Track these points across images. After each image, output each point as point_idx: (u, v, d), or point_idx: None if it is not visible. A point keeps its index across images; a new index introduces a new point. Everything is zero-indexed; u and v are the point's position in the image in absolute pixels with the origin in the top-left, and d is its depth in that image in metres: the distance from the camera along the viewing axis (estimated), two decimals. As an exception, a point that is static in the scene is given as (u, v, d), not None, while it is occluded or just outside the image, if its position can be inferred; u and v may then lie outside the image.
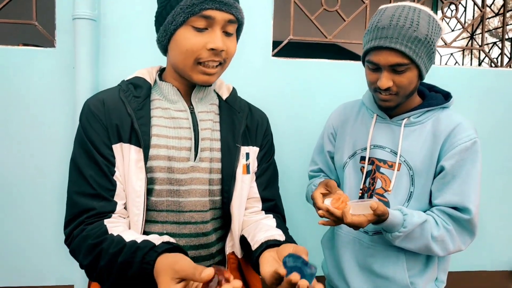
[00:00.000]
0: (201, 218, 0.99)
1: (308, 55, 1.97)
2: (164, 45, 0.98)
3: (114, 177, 0.92)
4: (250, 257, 1.00)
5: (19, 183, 1.76)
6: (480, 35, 2.20)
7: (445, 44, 2.08)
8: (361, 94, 1.36)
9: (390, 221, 1.07)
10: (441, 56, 4.33)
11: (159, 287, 0.72)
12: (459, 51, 4.25)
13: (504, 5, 2.34)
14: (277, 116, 1.85)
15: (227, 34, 0.96)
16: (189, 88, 1.04)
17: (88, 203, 0.89)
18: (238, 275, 1.05)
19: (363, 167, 1.25)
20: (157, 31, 0.99)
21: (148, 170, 0.94)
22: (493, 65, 2.19)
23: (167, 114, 1.00)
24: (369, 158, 1.24)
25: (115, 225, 0.89)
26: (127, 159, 0.93)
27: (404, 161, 1.18)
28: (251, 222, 1.07)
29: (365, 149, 1.25)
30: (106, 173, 0.91)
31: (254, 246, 0.97)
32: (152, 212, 0.96)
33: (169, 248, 0.79)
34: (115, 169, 0.93)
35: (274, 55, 1.89)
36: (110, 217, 0.90)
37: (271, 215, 1.09)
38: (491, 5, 3.35)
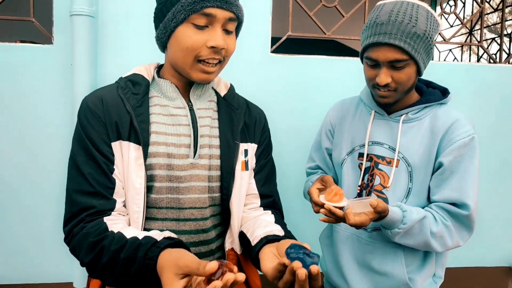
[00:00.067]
0: (200, 214, 0.99)
1: (307, 51, 1.96)
2: (163, 42, 0.98)
3: (113, 175, 0.92)
4: (249, 253, 1.00)
5: (18, 181, 1.75)
6: (479, 30, 2.20)
7: (444, 40, 2.08)
8: (360, 91, 1.36)
9: (389, 218, 1.07)
10: (439, 52, 4.33)
11: (163, 282, 0.72)
12: (458, 47, 4.24)
13: (503, 1, 2.33)
14: (275, 112, 1.85)
15: (227, 32, 0.96)
16: (187, 85, 1.04)
17: (87, 201, 0.89)
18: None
19: (361, 163, 1.25)
20: (156, 28, 0.98)
21: (148, 167, 0.94)
22: (491, 61, 2.19)
23: (166, 111, 1.00)
24: (367, 155, 1.24)
25: (114, 222, 0.89)
26: (126, 157, 0.93)
27: (403, 157, 1.19)
28: (250, 218, 1.08)
29: (363, 145, 1.25)
30: (105, 171, 0.91)
31: (253, 241, 0.98)
32: (152, 209, 0.96)
33: (171, 243, 0.80)
34: (114, 167, 0.93)
35: (272, 51, 1.89)
36: (109, 215, 0.90)
37: (269, 211, 1.09)
38: (490, 0, 3.35)
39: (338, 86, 1.90)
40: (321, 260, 1.43)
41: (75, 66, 1.66)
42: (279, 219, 1.08)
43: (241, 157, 1.04)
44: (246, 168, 1.06)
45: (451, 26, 4.03)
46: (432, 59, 1.19)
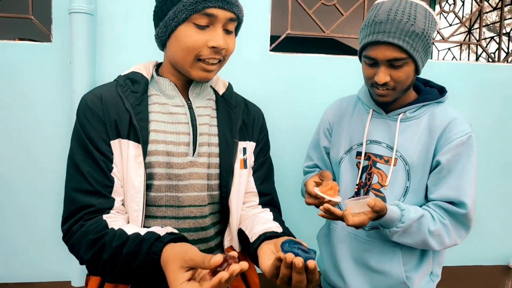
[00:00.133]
0: (200, 212, 0.99)
1: (306, 49, 1.96)
2: (163, 41, 0.98)
3: (112, 174, 0.92)
4: (248, 250, 1.01)
5: (16, 180, 1.75)
6: (478, 29, 2.20)
7: (443, 38, 2.08)
8: (359, 89, 1.36)
9: (388, 217, 1.08)
10: (438, 51, 4.33)
11: (168, 275, 0.73)
12: (457, 45, 4.25)
13: (501, 0, 2.34)
14: (274, 110, 1.85)
15: (227, 32, 0.96)
16: (186, 84, 1.04)
17: (86, 200, 0.89)
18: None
19: (359, 162, 1.25)
20: (156, 26, 0.98)
21: (147, 165, 0.94)
22: (490, 59, 2.19)
23: (165, 109, 1.00)
24: (365, 154, 1.24)
25: (114, 220, 0.89)
26: (125, 155, 0.93)
27: (400, 156, 1.19)
28: (249, 216, 1.08)
29: (361, 144, 1.25)
30: (103, 170, 0.91)
31: (252, 238, 0.99)
32: (151, 207, 0.96)
33: (174, 238, 0.81)
34: (113, 165, 0.93)
35: (271, 50, 1.89)
36: (108, 213, 0.91)
37: (267, 209, 1.10)
38: (489, -1, 3.35)
39: (337, 84, 1.90)
40: (318, 258, 1.43)
41: (74, 64, 1.66)
42: (278, 217, 1.09)
43: (239, 155, 1.05)
44: (245, 166, 1.06)
45: (450, 25, 4.03)
46: (431, 58, 1.19)
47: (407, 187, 1.19)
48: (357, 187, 1.25)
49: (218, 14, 0.92)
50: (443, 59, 4.34)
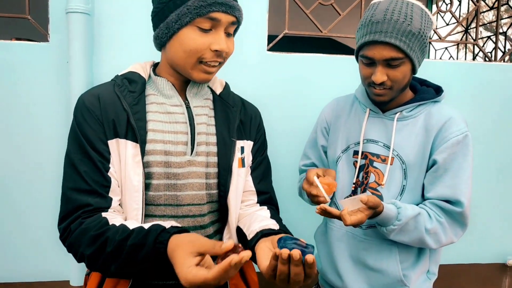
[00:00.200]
0: (198, 211, 1.00)
1: (303, 49, 1.97)
2: (163, 42, 0.98)
3: (109, 173, 0.92)
4: (246, 247, 1.01)
5: (13, 179, 1.75)
6: (475, 29, 2.21)
7: (440, 38, 2.08)
8: (356, 89, 1.36)
9: (384, 215, 1.08)
10: (435, 50, 4.34)
11: (176, 261, 0.75)
12: (454, 45, 4.26)
13: (498, -1, 2.35)
14: (272, 110, 1.86)
15: (228, 34, 0.98)
16: (183, 84, 1.04)
17: (84, 199, 0.89)
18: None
19: (356, 161, 1.26)
20: (155, 26, 0.98)
21: (145, 165, 0.95)
22: (487, 59, 2.20)
23: (163, 109, 1.00)
24: (362, 153, 1.25)
25: (113, 217, 0.90)
26: (123, 155, 0.93)
27: (397, 155, 1.20)
28: (247, 214, 1.09)
29: (358, 143, 1.26)
30: (100, 169, 0.91)
31: (249, 236, 1.00)
32: (150, 206, 0.97)
33: (178, 230, 0.83)
34: (110, 165, 0.93)
35: (269, 50, 1.89)
36: (106, 211, 0.91)
37: (265, 207, 1.11)
38: (485, -1, 3.36)
39: (334, 84, 1.91)
40: (315, 257, 1.43)
41: (71, 64, 1.65)
42: (275, 214, 1.10)
43: (237, 154, 1.06)
44: (243, 165, 1.07)
45: (447, 24, 4.04)
46: (428, 57, 1.20)
47: (404, 186, 1.19)
48: (354, 186, 1.26)
49: (222, 18, 0.93)
50: (441, 58, 4.35)
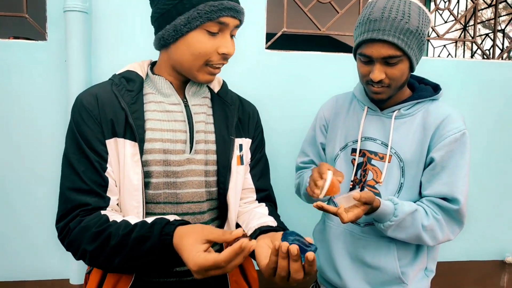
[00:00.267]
0: (198, 208, 1.00)
1: (302, 47, 1.97)
2: (168, 43, 0.97)
3: (106, 173, 0.93)
4: None
5: (12, 179, 1.75)
6: (473, 26, 2.21)
7: (438, 36, 2.09)
8: (354, 87, 1.36)
9: (381, 210, 1.09)
10: (434, 48, 4.34)
11: (183, 249, 0.76)
12: (452, 43, 4.26)
13: (496, -3, 2.35)
14: (270, 108, 1.86)
15: (232, 36, 0.99)
16: (182, 83, 1.05)
17: (82, 199, 0.90)
18: None
19: (354, 159, 1.26)
20: (160, 27, 0.97)
21: (144, 164, 0.95)
22: (485, 56, 2.20)
23: (161, 107, 1.00)
24: (360, 150, 1.25)
25: (113, 214, 0.91)
26: (122, 154, 0.93)
27: (395, 152, 1.20)
28: (245, 211, 1.10)
29: (356, 141, 1.26)
30: (97, 169, 0.92)
31: (248, 233, 1.01)
32: (150, 204, 0.97)
33: (182, 222, 0.84)
34: (107, 165, 0.93)
35: (267, 48, 1.89)
36: (105, 210, 0.91)
37: (263, 204, 1.12)
38: (484, -4, 3.36)
39: (332, 82, 1.91)
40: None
41: (70, 62, 1.65)
42: (273, 211, 1.12)
43: (236, 152, 1.06)
44: (241, 163, 1.08)
45: (445, 22, 4.04)
46: (426, 55, 1.20)
47: (402, 183, 1.20)
48: (352, 183, 1.26)
49: (229, 22, 0.94)
50: (439, 56, 4.36)
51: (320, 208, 1.06)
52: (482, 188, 2.10)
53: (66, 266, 1.77)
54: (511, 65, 2.09)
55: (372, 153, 1.23)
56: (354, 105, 1.33)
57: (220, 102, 1.09)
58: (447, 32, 2.12)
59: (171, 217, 0.87)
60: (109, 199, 0.92)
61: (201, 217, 1.01)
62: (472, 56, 3.94)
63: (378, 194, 1.21)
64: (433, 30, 2.07)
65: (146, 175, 0.95)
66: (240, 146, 1.08)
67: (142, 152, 0.94)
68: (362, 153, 1.25)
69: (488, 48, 2.26)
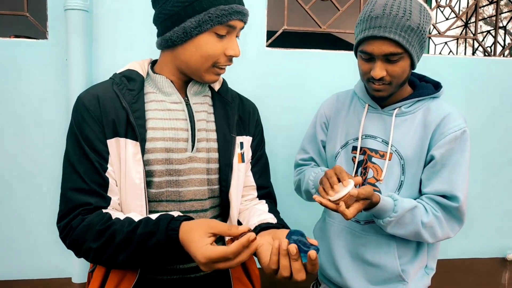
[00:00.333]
0: (200, 206, 1.01)
1: (303, 45, 1.97)
2: (175, 44, 0.97)
3: (106, 174, 0.93)
4: None
5: (14, 178, 1.75)
6: (474, 23, 2.21)
7: (439, 33, 2.08)
8: (355, 84, 1.36)
9: (381, 206, 1.09)
10: (435, 45, 4.33)
11: (190, 242, 0.78)
12: (453, 40, 4.25)
13: (497, -6, 2.34)
14: (270, 106, 1.86)
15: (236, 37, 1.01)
16: (183, 82, 1.05)
17: (83, 199, 0.90)
18: None
19: (355, 157, 1.26)
20: (167, 29, 0.96)
21: (146, 163, 0.95)
22: (486, 54, 2.19)
23: (162, 106, 1.00)
24: (361, 148, 1.25)
25: (115, 212, 0.91)
26: (123, 154, 0.94)
27: (395, 150, 1.20)
28: (246, 208, 1.11)
29: (357, 139, 1.26)
30: (98, 170, 0.92)
31: None
32: (153, 203, 0.98)
33: (186, 218, 0.86)
34: (108, 165, 0.93)
35: (268, 46, 1.89)
36: (106, 209, 0.92)
37: (263, 201, 1.14)
38: (485, -7, 3.35)
39: (333, 79, 1.91)
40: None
41: (70, 61, 1.65)
42: (273, 208, 1.13)
43: (237, 150, 1.07)
44: (243, 160, 1.08)
45: (447, 19, 4.03)
46: (428, 52, 1.20)
47: (402, 181, 1.20)
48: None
49: (237, 25, 0.96)
50: (440, 53, 4.34)
51: (320, 202, 1.06)
52: (483, 185, 2.10)
53: (68, 264, 1.78)
54: (513, 62, 2.08)
55: (373, 151, 1.23)
56: (355, 103, 1.33)
57: (220, 100, 1.09)
58: (448, 29, 2.11)
59: (175, 213, 0.88)
60: (110, 199, 0.93)
61: (203, 215, 1.02)
62: (473, 53, 3.93)
63: (379, 192, 1.21)
64: (434, 27, 2.07)
65: (149, 174, 0.96)
66: (241, 144, 1.09)
67: (143, 151, 0.94)
68: (363, 151, 1.25)
69: (490, 45, 2.26)
